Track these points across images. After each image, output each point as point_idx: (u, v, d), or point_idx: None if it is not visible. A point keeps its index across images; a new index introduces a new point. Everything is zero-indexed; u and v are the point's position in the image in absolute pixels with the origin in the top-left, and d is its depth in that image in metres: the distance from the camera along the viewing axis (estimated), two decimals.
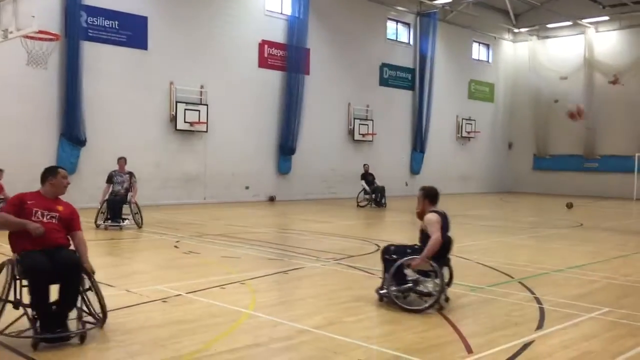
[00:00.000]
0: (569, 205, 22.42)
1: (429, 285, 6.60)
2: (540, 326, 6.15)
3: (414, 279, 6.62)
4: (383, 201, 21.75)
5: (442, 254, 6.75)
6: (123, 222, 13.49)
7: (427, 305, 6.46)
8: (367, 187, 21.84)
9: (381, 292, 6.81)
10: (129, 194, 13.73)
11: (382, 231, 14.54)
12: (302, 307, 6.89)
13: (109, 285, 7.66)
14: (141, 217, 13.70)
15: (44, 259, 5.28)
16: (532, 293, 7.62)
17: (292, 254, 10.65)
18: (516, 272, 9.06)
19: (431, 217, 6.76)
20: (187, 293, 7.24)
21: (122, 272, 8.70)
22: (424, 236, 6.75)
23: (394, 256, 6.81)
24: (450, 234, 6.92)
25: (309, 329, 5.87)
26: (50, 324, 5.19)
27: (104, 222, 13.46)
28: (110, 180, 13.80)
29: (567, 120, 32.74)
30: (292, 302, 7.36)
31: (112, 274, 8.60)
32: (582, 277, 9.00)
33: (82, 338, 5.27)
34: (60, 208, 5.74)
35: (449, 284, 6.92)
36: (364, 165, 23.20)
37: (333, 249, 11.24)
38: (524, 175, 35.35)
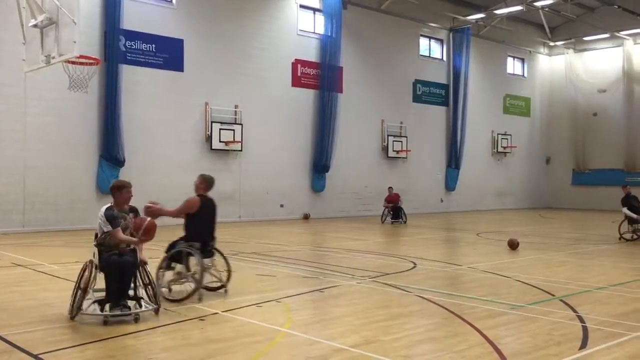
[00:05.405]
0: (513, 245, 13.09)
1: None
2: (583, 346, 5.98)
3: None
4: None
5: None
6: (140, 306, 6.92)
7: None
8: (633, 215, 15.59)
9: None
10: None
11: (417, 248, 14.38)
12: (338, 326, 6.84)
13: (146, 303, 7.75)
14: (154, 290, 7.18)
15: None
16: (575, 311, 7.41)
17: (327, 271, 10.62)
18: (557, 290, 8.83)
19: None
20: (223, 311, 7.28)
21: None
22: None
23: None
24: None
25: (346, 347, 5.82)
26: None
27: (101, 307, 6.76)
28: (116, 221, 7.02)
29: (607, 133, 32.05)
30: (328, 320, 7.32)
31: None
32: (626, 294, 8.73)
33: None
34: None
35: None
36: (624, 187, 16.79)
37: (368, 266, 11.17)
38: (562, 191, 34.63)
